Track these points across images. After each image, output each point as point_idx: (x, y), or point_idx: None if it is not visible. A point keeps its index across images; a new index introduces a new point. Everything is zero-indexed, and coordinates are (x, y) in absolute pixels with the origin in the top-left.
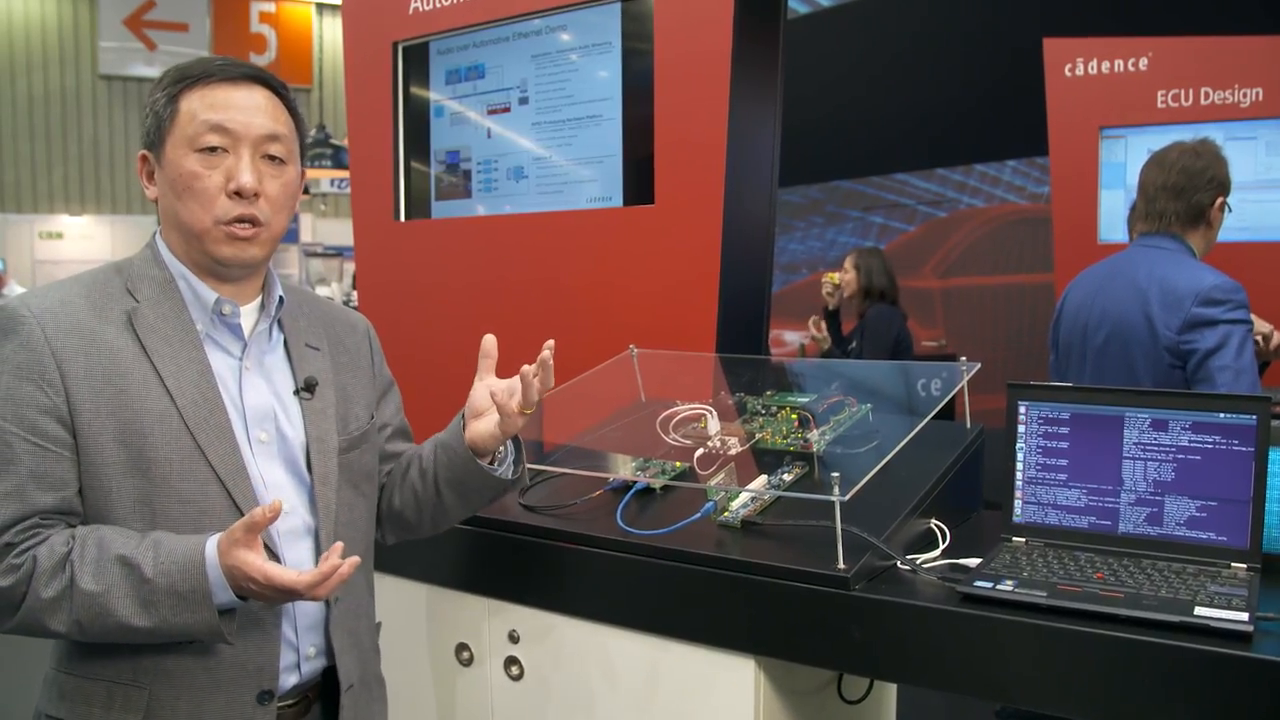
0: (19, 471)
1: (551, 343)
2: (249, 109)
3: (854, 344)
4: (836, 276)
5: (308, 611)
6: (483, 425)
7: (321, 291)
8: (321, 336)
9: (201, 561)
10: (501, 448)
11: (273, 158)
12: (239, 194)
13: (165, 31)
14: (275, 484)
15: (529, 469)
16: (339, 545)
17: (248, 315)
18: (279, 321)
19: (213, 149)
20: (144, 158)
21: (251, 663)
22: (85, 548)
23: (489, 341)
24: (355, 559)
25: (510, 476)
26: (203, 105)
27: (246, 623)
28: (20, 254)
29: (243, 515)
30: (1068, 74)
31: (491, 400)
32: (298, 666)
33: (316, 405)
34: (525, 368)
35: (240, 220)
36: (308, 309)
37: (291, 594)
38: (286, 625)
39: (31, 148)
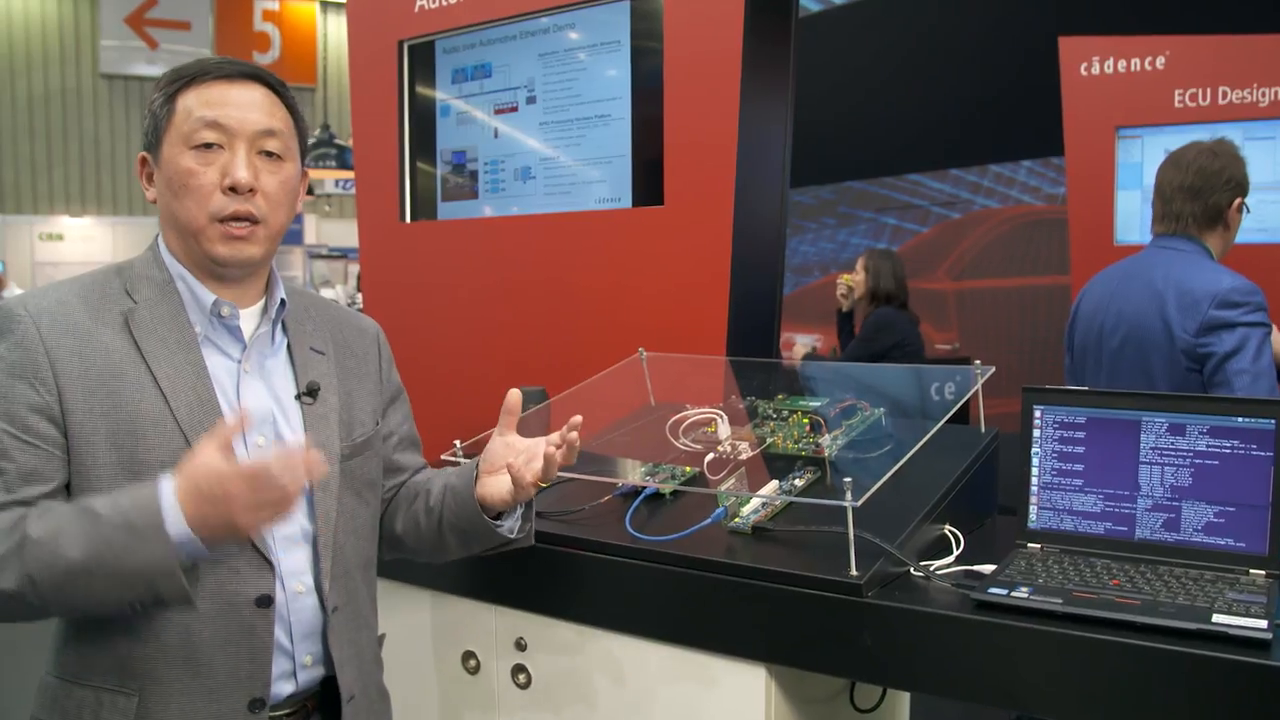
0: (7, 468)
1: (579, 419)
2: (245, 105)
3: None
4: (850, 278)
5: (304, 619)
6: (495, 484)
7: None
8: (328, 340)
9: (155, 493)
10: None
11: (270, 154)
12: (234, 190)
13: (167, 30)
14: None
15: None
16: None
17: (249, 318)
18: (283, 325)
19: (208, 145)
20: (143, 159)
21: (243, 669)
22: (43, 508)
23: (513, 398)
24: (318, 455)
25: (516, 535)
26: (199, 103)
27: (238, 629)
28: (20, 256)
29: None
30: (1083, 73)
31: (508, 461)
32: (293, 675)
33: (318, 410)
34: (550, 443)
35: (236, 218)
36: (315, 312)
37: (260, 487)
38: (281, 631)
39: (31, 148)
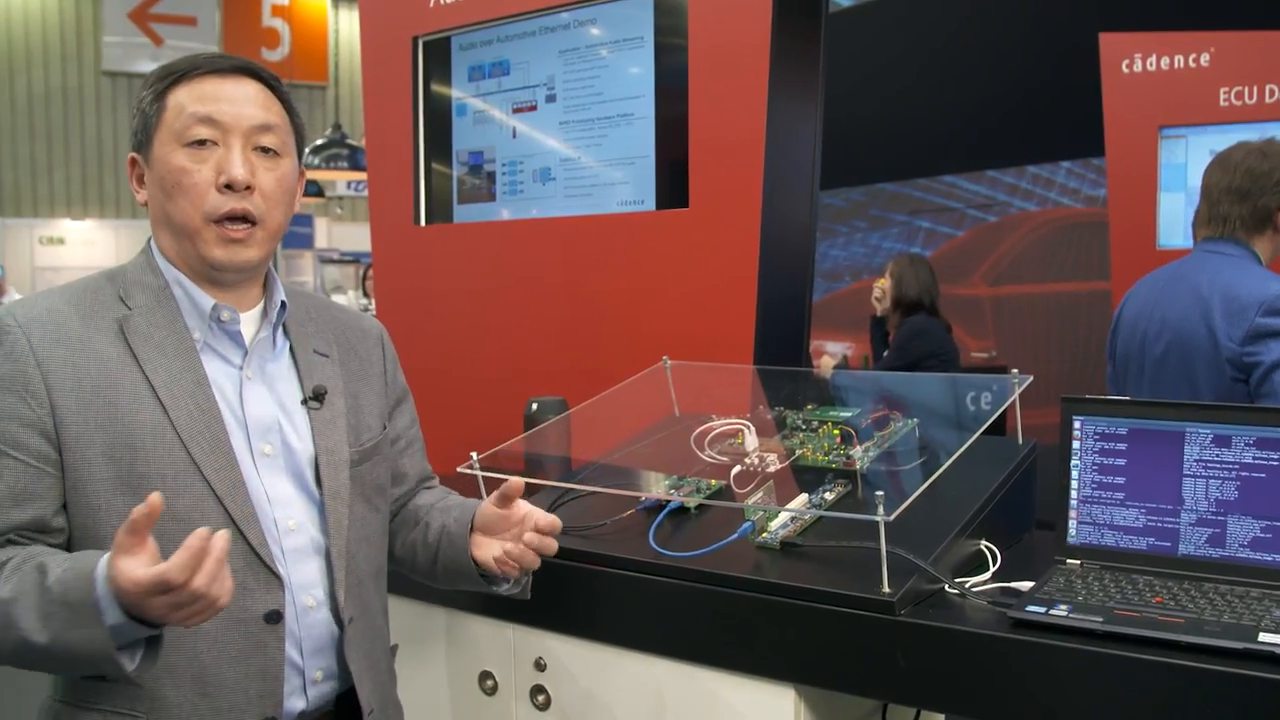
0: None
1: (557, 524)
2: (239, 99)
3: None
4: (883, 283)
5: (315, 634)
6: (489, 547)
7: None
8: (331, 343)
9: (93, 571)
10: None
11: (266, 149)
12: (230, 187)
13: (172, 25)
14: (281, 499)
15: (556, 486)
16: (204, 530)
17: (249, 322)
18: (284, 328)
19: (201, 142)
20: (133, 160)
21: (253, 688)
22: (27, 560)
23: (514, 488)
24: (225, 533)
25: (511, 593)
26: (190, 99)
27: (247, 647)
28: (19, 260)
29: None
30: (1125, 71)
31: (499, 532)
32: (303, 691)
33: (326, 415)
34: (529, 537)
35: (232, 218)
36: (316, 314)
37: (166, 592)
38: (291, 648)
39: (31, 148)
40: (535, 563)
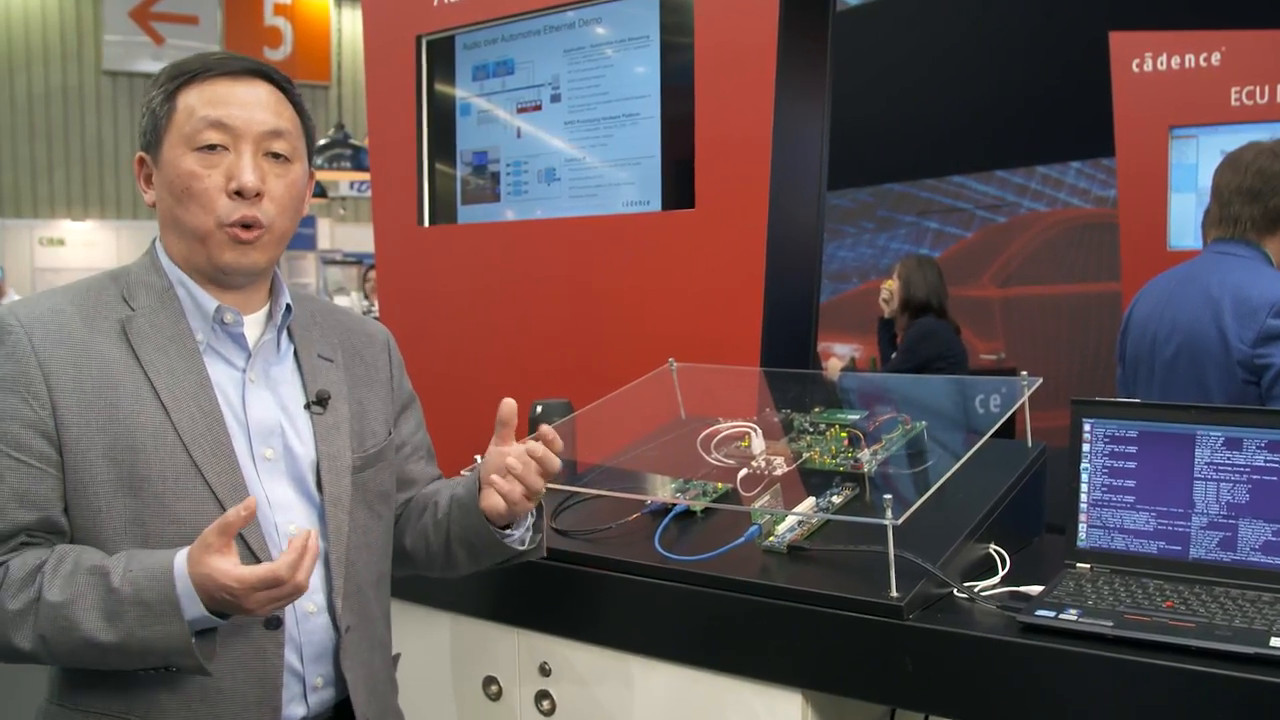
0: (0, 489)
1: (549, 430)
2: (250, 104)
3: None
4: (891, 284)
5: (315, 640)
6: (494, 497)
7: (340, 302)
8: (336, 347)
9: (170, 569)
10: None
11: (276, 155)
12: (240, 194)
13: (173, 24)
14: (282, 504)
15: (561, 490)
16: (307, 530)
17: (253, 325)
18: (289, 331)
19: (212, 147)
20: (141, 160)
21: (252, 693)
22: (62, 561)
23: (507, 408)
24: (315, 531)
25: (527, 546)
26: (201, 101)
27: (247, 652)
28: (19, 261)
29: (243, 538)
30: (1135, 70)
31: (491, 477)
32: (304, 697)
33: (329, 420)
34: (513, 455)
35: (242, 223)
36: (321, 318)
37: (273, 587)
38: (291, 653)
39: (31, 148)
40: (537, 482)
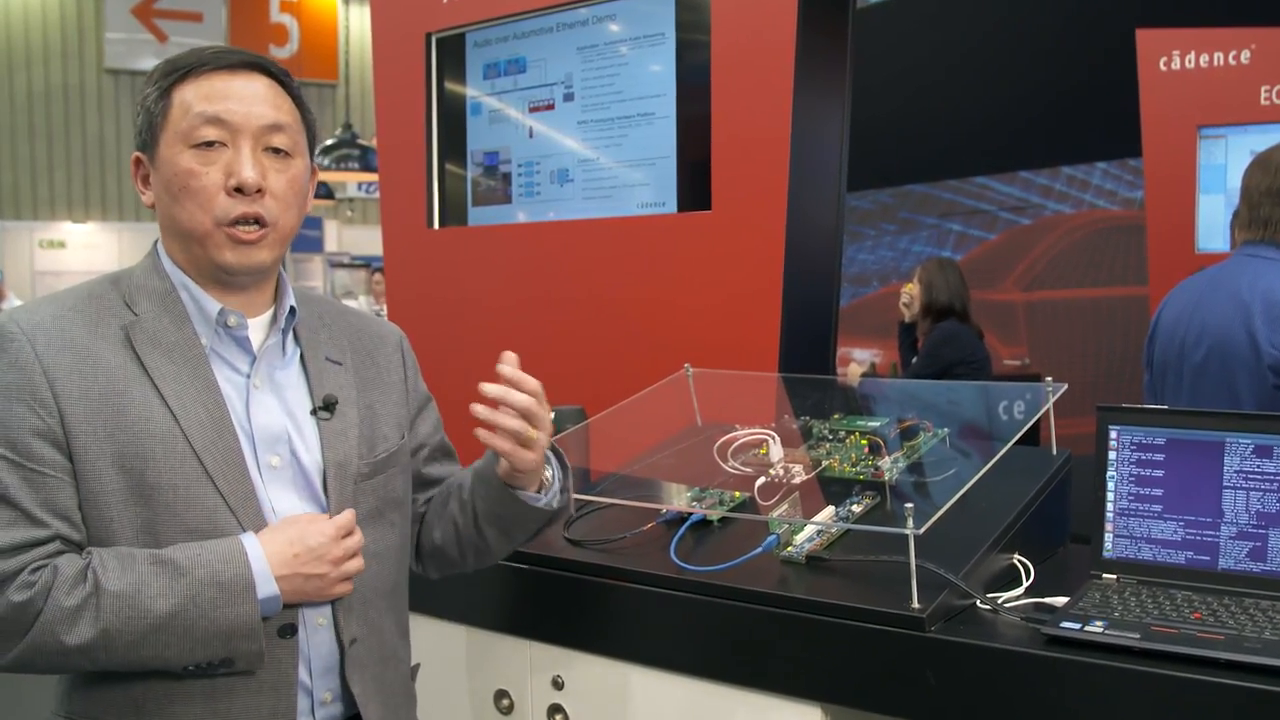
0: (19, 498)
1: (510, 354)
2: (248, 98)
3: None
4: (912, 288)
5: (323, 653)
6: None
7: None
8: (345, 350)
9: (242, 549)
10: (548, 473)
11: (277, 150)
12: (240, 190)
13: (177, 22)
14: (287, 513)
15: (575, 499)
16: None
17: (258, 328)
18: (295, 334)
19: (209, 143)
20: (137, 160)
21: (265, 706)
22: (105, 556)
23: (507, 357)
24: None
25: (554, 505)
26: (197, 97)
27: (265, 664)
28: (19, 264)
29: None
30: (1163, 68)
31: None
32: (312, 712)
33: (336, 426)
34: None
35: (243, 221)
36: (330, 320)
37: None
38: (302, 667)
39: (31, 148)
40: (509, 423)
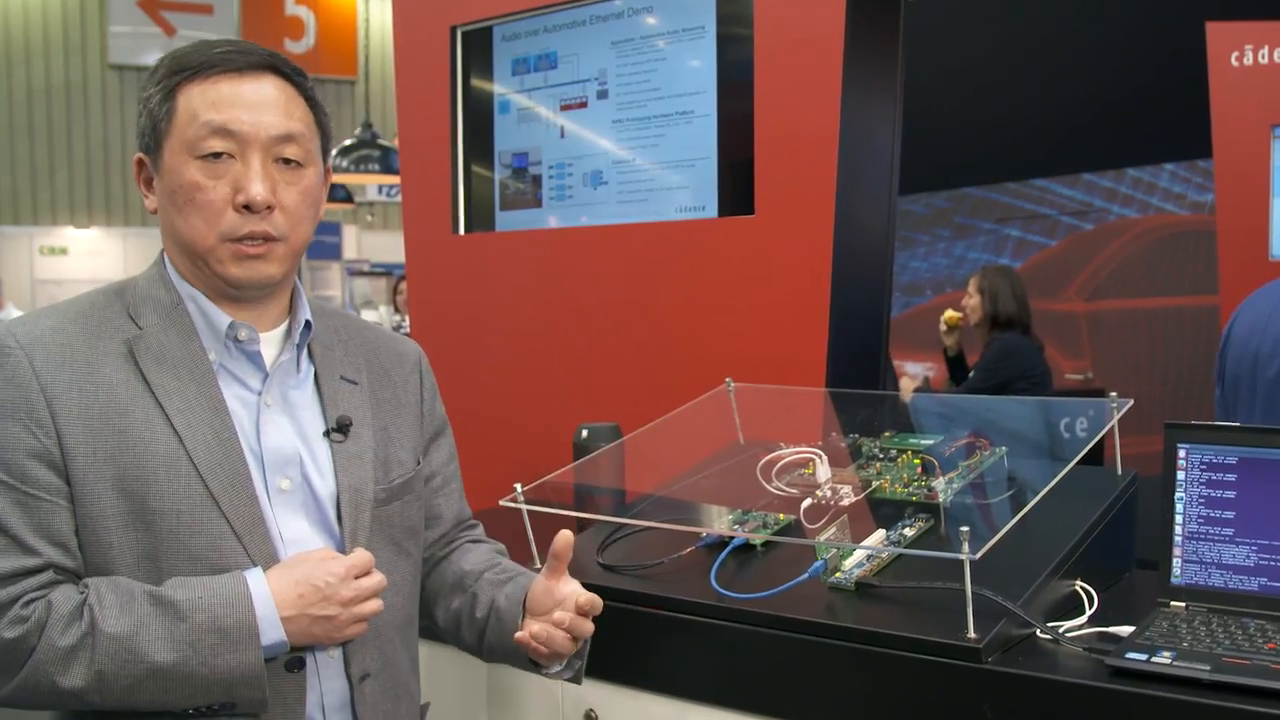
0: (11, 523)
1: (597, 605)
2: (258, 105)
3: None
4: (952, 315)
5: (334, 688)
6: (530, 629)
7: (368, 317)
8: (361, 368)
9: (246, 591)
10: None
11: (288, 161)
12: (249, 208)
13: (185, 14)
14: (297, 539)
15: (609, 521)
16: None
17: (270, 343)
18: (309, 351)
19: (217, 155)
20: (140, 162)
21: None
22: (102, 592)
23: (563, 541)
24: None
25: (561, 677)
26: (204, 103)
27: (269, 702)
28: (18, 272)
29: None
30: (1235, 64)
31: (549, 605)
32: None
33: (351, 449)
34: (558, 616)
35: (250, 238)
36: (347, 335)
37: (362, 575)
38: (313, 705)
39: (31, 149)
40: (565, 644)
